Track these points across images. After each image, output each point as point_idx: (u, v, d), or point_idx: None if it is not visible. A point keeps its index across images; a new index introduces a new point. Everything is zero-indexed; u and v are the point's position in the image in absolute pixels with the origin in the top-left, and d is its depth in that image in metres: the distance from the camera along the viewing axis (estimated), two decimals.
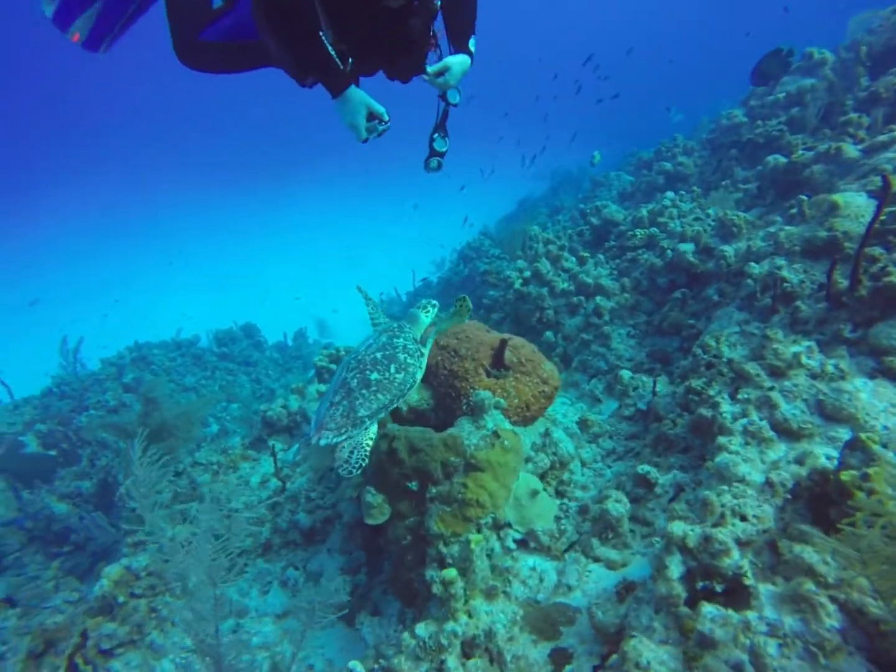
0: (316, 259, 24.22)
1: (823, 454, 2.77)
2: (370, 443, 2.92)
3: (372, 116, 2.53)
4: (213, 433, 8.62)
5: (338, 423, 2.86)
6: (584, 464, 3.89)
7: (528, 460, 3.36)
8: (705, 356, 3.69)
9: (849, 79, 6.68)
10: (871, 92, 5.51)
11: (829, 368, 2.99)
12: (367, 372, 2.99)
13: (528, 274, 5.98)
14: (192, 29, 2.87)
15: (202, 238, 27.81)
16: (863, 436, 2.12)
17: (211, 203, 32.89)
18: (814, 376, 2.98)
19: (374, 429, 2.98)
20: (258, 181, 36.00)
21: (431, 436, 3.06)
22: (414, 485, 3.05)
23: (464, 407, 3.33)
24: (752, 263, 4.35)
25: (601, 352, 5.52)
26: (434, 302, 3.62)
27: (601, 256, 6.37)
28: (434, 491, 3.00)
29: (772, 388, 2.97)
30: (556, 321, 5.98)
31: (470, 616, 2.56)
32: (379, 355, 3.06)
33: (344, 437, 2.85)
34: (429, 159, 3.05)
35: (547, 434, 3.54)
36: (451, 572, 2.60)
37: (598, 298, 5.62)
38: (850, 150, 4.73)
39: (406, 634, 2.50)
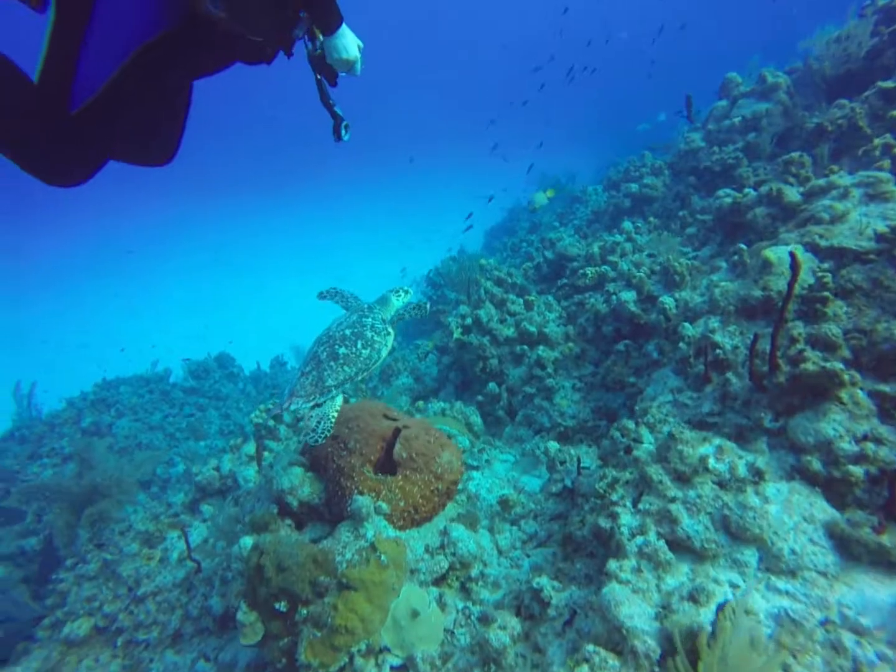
0: (296, 280, 23.80)
1: (727, 580, 2.46)
2: (335, 414, 3.09)
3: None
4: (179, 473, 8.46)
5: (307, 390, 3.06)
6: (500, 552, 3.60)
7: (419, 565, 3.07)
8: (623, 440, 3.37)
9: (807, 96, 6.32)
10: (818, 126, 5.15)
11: (741, 471, 2.67)
12: (336, 346, 3.17)
13: (469, 321, 5.68)
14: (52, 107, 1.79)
15: (181, 257, 27.53)
16: (731, 604, 1.81)
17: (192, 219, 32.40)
18: (721, 484, 2.66)
19: (339, 400, 3.14)
20: (237, 194, 35.50)
21: (301, 551, 2.79)
22: (282, 605, 2.78)
23: (349, 508, 3.05)
24: (686, 324, 4.03)
25: (545, 406, 5.21)
26: (407, 289, 3.71)
27: (550, 298, 6.06)
28: (305, 612, 2.73)
29: (674, 500, 2.65)
30: (501, 370, 5.68)
31: None
32: (348, 332, 3.24)
33: (311, 403, 3.04)
34: (342, 126, 2.67)
35: (446, 532, 3.24)
36: None
37: (540, 349, 5.31)
38: (791, 194, 4.38)
39: None
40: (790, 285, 2.81)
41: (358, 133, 2.79)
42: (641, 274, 4.93)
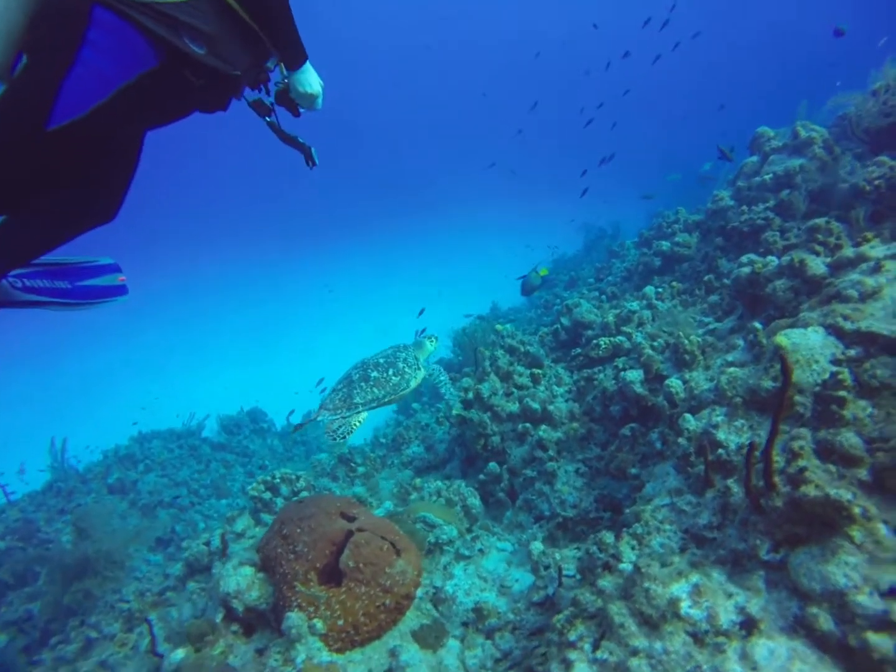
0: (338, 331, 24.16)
1: None
2: (358, 424, 3.33)
3: None
4: (200, 530, 8.46)
5: (335, 405, 3.32)
6: None
7: None
8: (601, 555, 2.94)
9: (852, 149, 5.79)
10: (853, 186, 4.64)
11: (722, 621, 2.20)
12: (369, 370, 3.46)
13: (470, 396, 5.40)
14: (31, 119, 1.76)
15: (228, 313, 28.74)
16: None
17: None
18: (696, 637, 2.19)
19: (364, 414, 3.38)
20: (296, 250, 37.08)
21: None
22: None
23: (281, 626, 2.78)
24: (688, 416, 3.58)
25: (545, 492, 4.77)
26: (436, 336, 4.15)
27: (560, 370, 5.69)
28: None
29: (636, 652, 2.20)
30: (503, 449, 5.31)
31: None
32: (382, 360, 3.55)
33: (338, 416, 3.28)
34: (311, 152, 2.81)
35: (395, 654, 2.89)
36: None
37: (542, 428, 4.92)
38: (815, 266, 3.89)
39: None
40: (782, 391, 2.38)
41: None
42: (649, 351, 4.51)
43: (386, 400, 3.42)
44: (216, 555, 5.27)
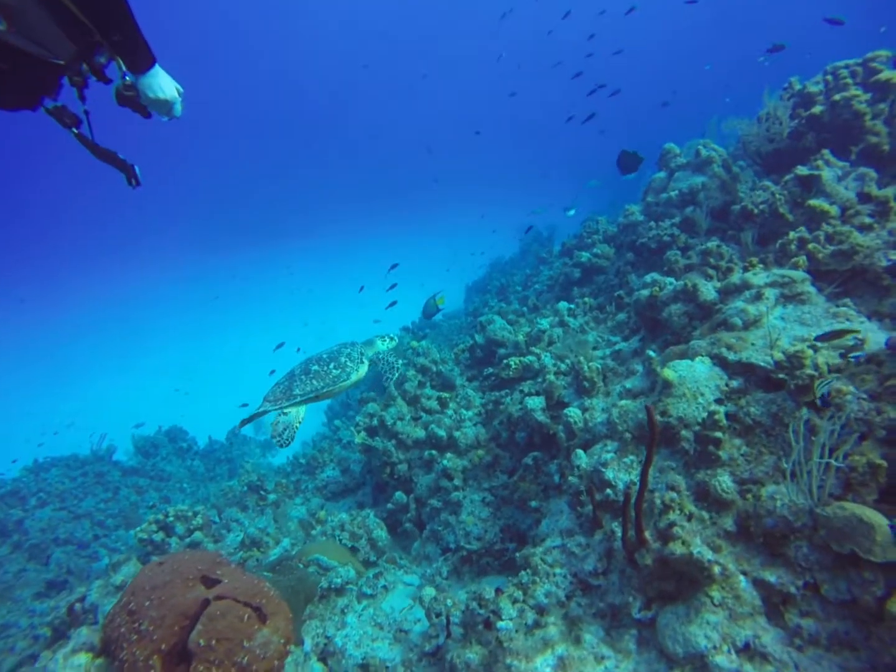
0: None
1: None
2: (298, 424, 3.46)
3: None
4: (101, 569, 7.74)
5: (276, 396, 3.47)
6: None
7: None
8: (481, 612, 2.76)
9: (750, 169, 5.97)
10: (743, 209, 4.73)
11: None
12: (311, 364, 3.60)
13: (375, 422, 5.14)
14: None
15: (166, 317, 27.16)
16: None
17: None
18: None
19: (303, 411, 3.51)
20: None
21: None
22: None
23: None
24: (580, 453, 3.48)
25: (451, 523, 4.59)
26: (393, 335, 4.12)
27: (470, 392, 5.53)
28: None
29: None
30: (410, 477, 5.09)
31: None
32: (325, 356, 3.70)
33: (277, 407, 3.43)
34: (135, 169, 2.53)
35: None
36: None
37: (447, 457, 4.74)
38: (706, 291, 3.90)
39: None
40: (648, 448, 2.27)
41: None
42: (551, 377, 4.41)
43: (325, 391, 3.55)
44: (89, 613, 4.76)
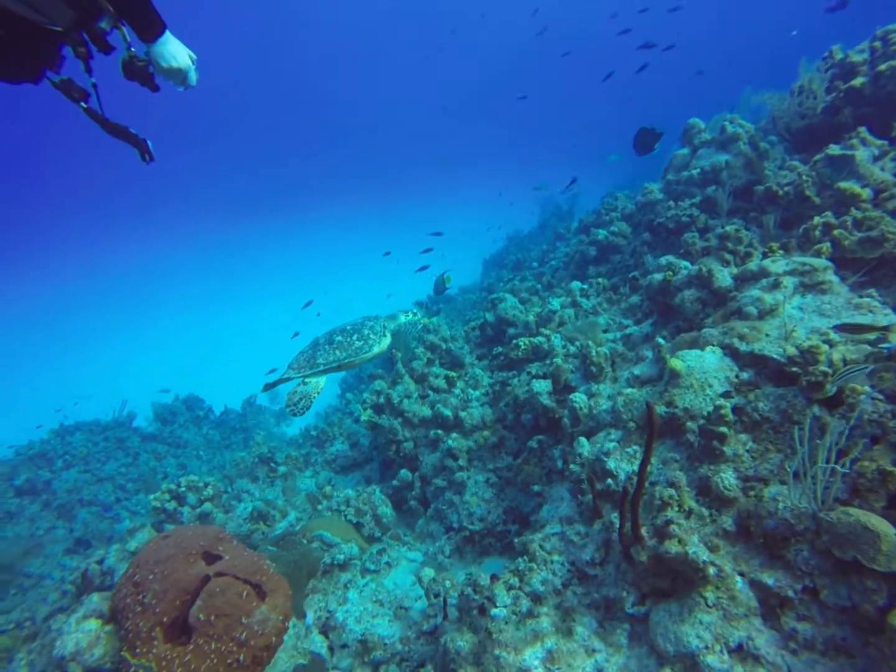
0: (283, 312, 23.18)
1: None
2: (316, 394, 3.54)
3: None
4: (123, 531, 8.07)
5: (300, 364, 3.58)
6: None
7: None
8: (476, 597, 2.78)
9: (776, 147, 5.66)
10: (767, 190, 4.49)
11: None
12: (335, 335, 3.70)
13: (381, 400, 5.15)
14: None
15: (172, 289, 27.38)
16: None
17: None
18: None
19: (322, 381, 3.61)
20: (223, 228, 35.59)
21: None
22: None
23: None
24: (582, 440, 3.43)
25: (455, 502, 4.63)
26: (415, 310, 4.35)
27: (478, 371, 5.49)
28: None
29: None
30: (416, 455, 5.12)
31: None
32: (349, 327, 3.78)
33: (300, 375, 3.54)
34: (147, 144, 2.45)
35: None
36: None
37: (452, 437, 4.74)
38: (722, 278, 3.75)
39: None
40: (647, 445, 2.21)
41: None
42: (559, 360, 4.34)
43: (347, 362, 3.63)
44: (107, 575, 4.96)
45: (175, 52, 2.17)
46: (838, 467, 1.99)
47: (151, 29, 2.08)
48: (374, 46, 44.85)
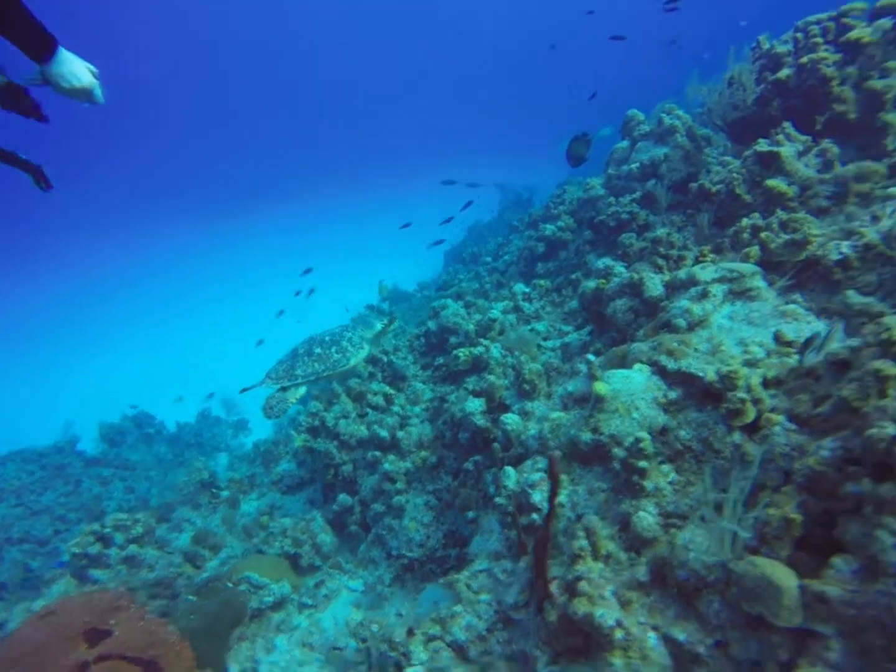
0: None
1: None
2: (294, 401, 3.57)
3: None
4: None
5: (279, 375, 3.60)
6: None
7: None
8: (392, 655, 2.58)
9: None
10: (700, 187, 4.37)
11: None
12: (314, 346, 3.73)
13: (316, 423, 4.89)
14: None
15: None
16: None
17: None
18: None
19: (301, 390, 3.62)
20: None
21: None
22: None
23: None
24: (508, 470, 3.25)
25: (395, 527, 4.43)
26: (392, 315, 4.37)
27: (419, 386, 5.27)
28: None
29: None
30: (355, 477, 4.89)
31: None
32: (328, 338, 3.80)
33: (279, 385, 3.56)
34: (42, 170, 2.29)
35: None
36: None
37: (388, 459, 4.52)
38: (653, 286, 3.60)
39: None
40: (550, 500, 2.03)
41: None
42: (492, 377, 4.15)
43: (325, 375, 3.66)
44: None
45: (74, 70, 1.96)
46: (739, 530, 1.85)
47: (41, 48, 1.85)
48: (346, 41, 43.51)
